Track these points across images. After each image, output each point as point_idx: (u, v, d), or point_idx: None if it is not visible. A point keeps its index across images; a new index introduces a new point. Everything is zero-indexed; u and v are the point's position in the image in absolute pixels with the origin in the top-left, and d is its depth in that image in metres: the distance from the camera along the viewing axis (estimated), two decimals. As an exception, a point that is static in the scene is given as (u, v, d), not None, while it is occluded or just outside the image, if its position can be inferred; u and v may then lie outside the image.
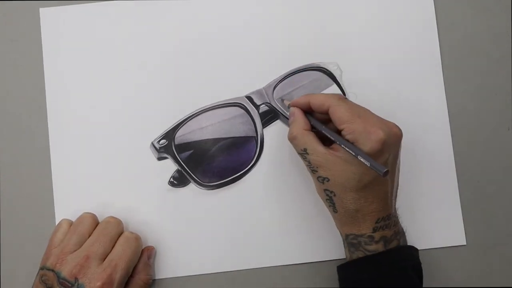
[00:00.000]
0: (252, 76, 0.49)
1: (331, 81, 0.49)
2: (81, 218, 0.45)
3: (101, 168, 0.48)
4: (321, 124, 0.42)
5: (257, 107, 0.48)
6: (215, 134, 0.48)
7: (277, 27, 0.49)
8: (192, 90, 0.49)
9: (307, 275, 0.47)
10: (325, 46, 0.49)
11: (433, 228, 0.48)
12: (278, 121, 0.49)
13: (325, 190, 0.41)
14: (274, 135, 0.48)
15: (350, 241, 0.42)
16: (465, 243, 0.48)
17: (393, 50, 0.49)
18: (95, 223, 0.45)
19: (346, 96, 0.49)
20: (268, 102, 0.48)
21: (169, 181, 0.47)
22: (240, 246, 0.47)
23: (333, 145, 0.41)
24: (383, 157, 0.39)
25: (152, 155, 0.48)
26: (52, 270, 0.42)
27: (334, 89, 0.49)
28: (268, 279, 0.47)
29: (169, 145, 0.47)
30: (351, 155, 0.39)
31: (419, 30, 0.50)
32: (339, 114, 0.40)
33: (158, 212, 0.47)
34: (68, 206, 0.47)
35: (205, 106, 0.48)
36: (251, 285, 0.47)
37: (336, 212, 0.42)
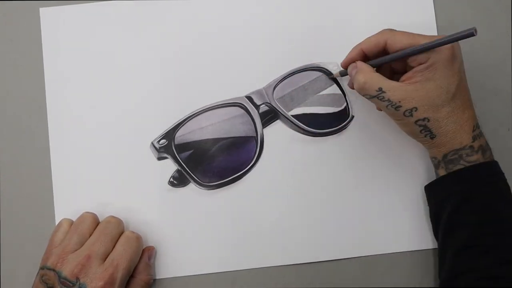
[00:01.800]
0: (252, 76, 0.49)
1: (331, 81, 0.49)
2: (81, 218, 0.45)
3: (101, 168, 0.48)
4: (385, 56, 0.42)
5: (257, 107, 0.48)
6: (215, 134, 0.48)
7: (277, 27, 0.49)
8: (192, 90, 0.49)
9: (307, 275, 0.47)
10: (325, 46, 0.49)
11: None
12: (278, 121, 0.49)
13: (416, 121, 0.41)
14: (274, 135, 0.48)
15: (449, 159, 0.42)
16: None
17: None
18: (96, 222, 0.45)
19: (346, 97, 0.49)
20: (268, 102, 0.48)
21: (169, 181, 0.47)
22: (241, 246, 0.47)
23: (403, 77, 0.41)
24: (458, 60, 0.40)
25: (152, 155, 0.48)
26: (53, 270, 0.41)
27: (334, 89, 0.49)
28: (269, 279, 0.47)
29: (169, 145, 0.47)
30: (428, 73, 0.39)
31: (419, 30, 0.49)
32: (400, 40, 0.41)
33: (158, 212, 0.47)
34: (68, 206, 0.47)
35: (205, 106, 0.48)
36: (252, 285, 0.47)
37: (435, 136, 0.41)
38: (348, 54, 0.44)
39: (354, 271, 0.47)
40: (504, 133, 0.50)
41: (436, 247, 0.46)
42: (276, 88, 0.48)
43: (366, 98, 0.42)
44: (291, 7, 0.49)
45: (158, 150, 0.47)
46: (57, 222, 0.46)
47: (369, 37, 0.43)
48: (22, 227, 0.48)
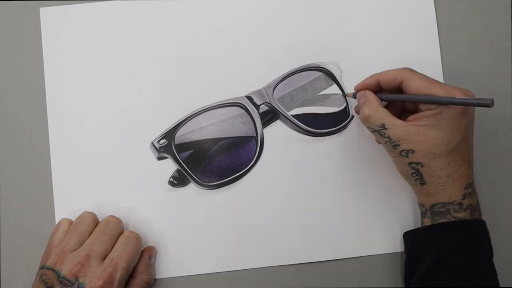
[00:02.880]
0: (252, 76, 0.49)
1: (331, 81, 0.49)
2: (81, 217, 0.45)
3: (101, 168, 0.48)
4: (397, 94, 0.42)
5: (257, 107, 0.48)
6: (215, 134, 0.48)
7: (277, 27, 0.49)
8: (192, 90, 0.49)
9: (307, 275, 0.47)
10: (325, 46, 0.49)
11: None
12: (278, 121, 0.49)
13: (410, 163, 0.41)
14: (274, 135, 0.48)
15: (436, 210, 0.42)
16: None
17: (393, 50, 0.49)
18: (95, 222, 0.45)
19: (346, 98, 0.49)
20: (268, 102, 0.48)
21: (169, 181, 0.47)
22: (240, 246, 0.47)
23: (410, 117, 0.41)
24: (467, 117, 0.40)
25: (152, 155, 0.48)
26: (52, 269, 0.41)
27: (334, 89, 0.49)
28: (268, 279, 0.47)
29: (169, 145, 0.47)
30: (435, 120, 0.39)
31: (419, 30, 0.50)
32: (417, 83, 0.40)
33: (158, 212, 0.47)
34: (68, 205, 0.47)
35: (205, 106, 0.48)
36: (251, 285, 0.47)
37: (425, 183, 0.41)
38: (364, 80, 0.44)
39: (354, 271, 0.47)
40: (504, 133, 0.50)
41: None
42: (276, 88, 0.48)
43: (369, 130, 0.43)
44: (291, 7, 0.49)
45: (158, 150, 0.47)
46: (57, 222, 0.47)
47: (388, 71, 0.43)
48: (22, 227, 0.48)
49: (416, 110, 0.42)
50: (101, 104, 0.48)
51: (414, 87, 0.41)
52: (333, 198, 0.48)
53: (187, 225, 0.47)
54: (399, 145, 0.41)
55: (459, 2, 0.51)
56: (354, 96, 0.46)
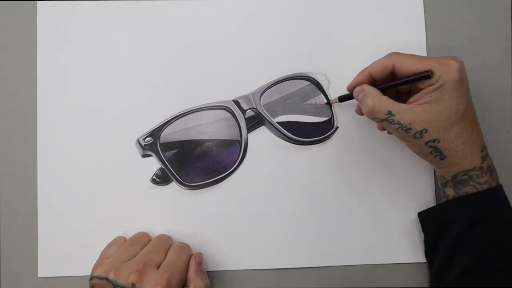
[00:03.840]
0: (241, 81, 0.49)
1: (318, 91, 0.50)
2: (137, 235, 0.46)
3: (86, 164, 0.48)
4: (392, 80, 0.42)
5: (243, 111, 0.49)
6: (200, 135, 0.49)
7: (268, 34, 0.50)
8: (181, 91, 0.49)
9: (288, 280, 0.48)
10: (314, 57, 0.50)
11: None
12: (263, 127, 0.49)
13: (427, 143, 0.41)
14: (259, 141, 0.49)
15: (458, 179, 0.42)
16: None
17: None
18: (149, 239, 0.46)
19: (332, 108, 0.49)
20: (255, 107, 0.49)
21: (152, 178, 0.48)
22: (219, 247, 0.48)
23: (411, 98, 0.42)
24: (465, 81, 0.41)
25: (137, 152, 0.48)
26: (106, 279, 0.41)
27: (320, 99, 0.49)
28: (246, 282, 0.48)
29: (154, 143, 0.48)
30: (438, 94, 0.40)
31: (412, 43, 0.50)
32: (408, 63, 0.41)
33: (139, 208, 0.48)
34: (52, 201, 0.48)
35: (192, 107, 0.49)
36: (228, 287, 0.48)
37: (445, 157, 0.41)
38: (355, 77, 0.44)
39: (335, 277, 0.48)
40: (504, 134, 0.50)
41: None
42: (264, 94, 0.49)
43: (376, 121, 0.43)
44: (285, 15, 0.50)
45: (143, 147, 0.48)
46: (39, 221, 0.47)
47: (377, 61, 0.43)
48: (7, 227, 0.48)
49: (410, 90, 0.43)
50: (90, 101, 0.49)
51: (406, 67, 0.41)
52: (313, 206, 0.48)
53: (167, 224, 0.48)
54: (411, 128, 0.41)
55: (459, 3, 0.51)
56: (341, 99, 0.47)
